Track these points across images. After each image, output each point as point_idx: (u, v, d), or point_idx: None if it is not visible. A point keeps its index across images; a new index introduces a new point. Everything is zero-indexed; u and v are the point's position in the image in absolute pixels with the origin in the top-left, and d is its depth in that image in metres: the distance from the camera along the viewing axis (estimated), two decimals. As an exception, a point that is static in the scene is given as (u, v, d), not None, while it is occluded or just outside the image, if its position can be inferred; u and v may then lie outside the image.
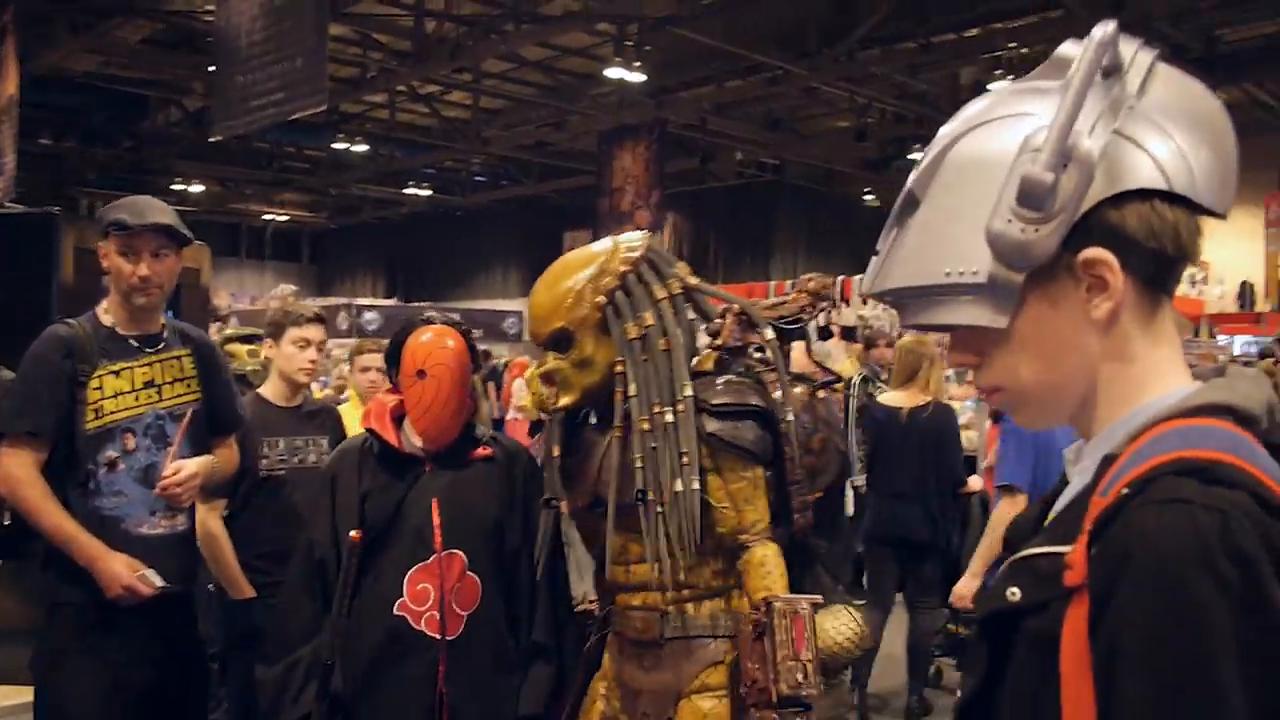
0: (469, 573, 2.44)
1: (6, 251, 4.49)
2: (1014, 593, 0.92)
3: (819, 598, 2.26)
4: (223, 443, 2.94)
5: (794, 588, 2.60)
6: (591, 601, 2.59)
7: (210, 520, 3.26)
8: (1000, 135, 0.98)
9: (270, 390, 3.56)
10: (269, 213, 24.78)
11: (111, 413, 2.63)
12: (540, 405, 2.38)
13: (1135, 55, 0.97)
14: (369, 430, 2.52)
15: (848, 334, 10.25)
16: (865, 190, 21.20)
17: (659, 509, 2.21)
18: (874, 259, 1.06)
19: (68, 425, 2.58)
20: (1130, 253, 0.93)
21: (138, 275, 2.63)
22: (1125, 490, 0.86)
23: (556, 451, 2.40)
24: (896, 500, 5.00)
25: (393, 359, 2.54)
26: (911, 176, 1.04)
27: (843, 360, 7.98)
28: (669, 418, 2.22)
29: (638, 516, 2.24)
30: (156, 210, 2.67)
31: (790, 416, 2.34)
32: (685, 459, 2.20)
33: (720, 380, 2.36)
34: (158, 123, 17.45)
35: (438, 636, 2.39)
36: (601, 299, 2.30)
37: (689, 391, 2.26)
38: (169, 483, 2.63)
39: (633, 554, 2.34)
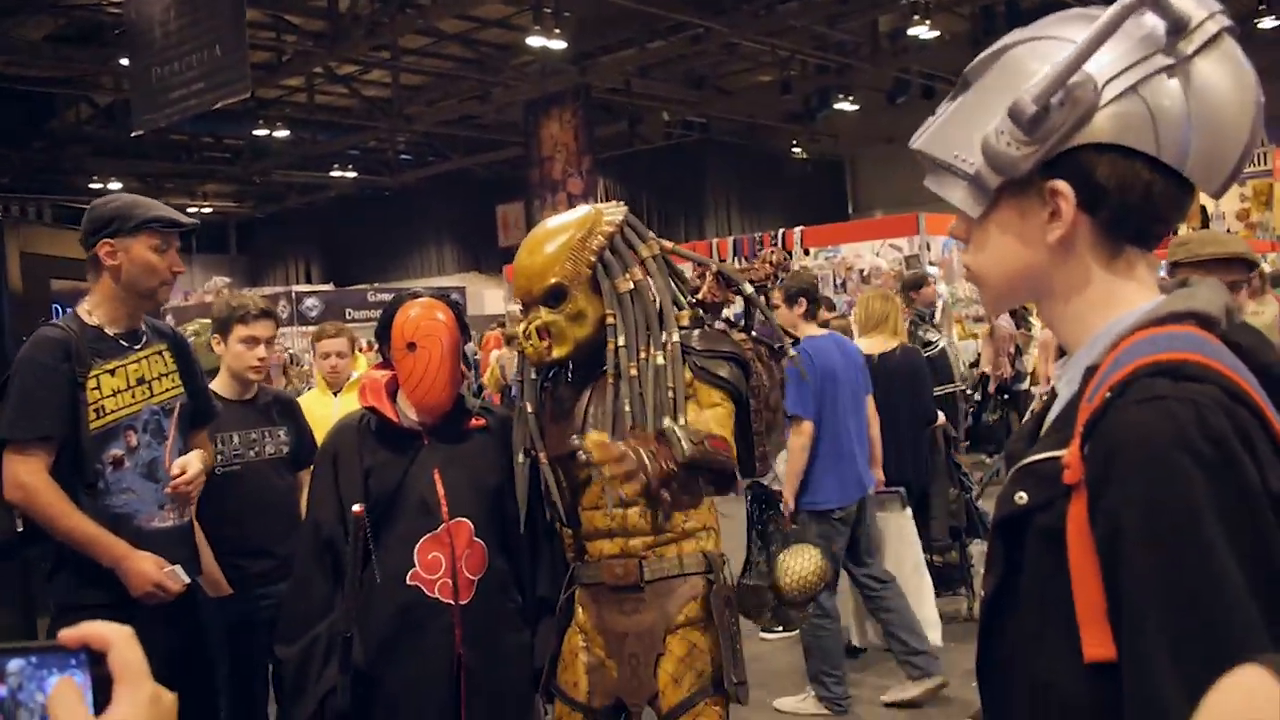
0: (476, 539, 2.50)
1: (-51, 260, 4.40)
2: (1021, 497, 1.03)
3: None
4: (201, 435, 2.97)
5: (759, 532, 2.79)
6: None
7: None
8: (1040, 53, 1.06)
9: (221, 385, 3.49)
10: (192, 205, 24.27)
11: (112, 411, 2.64)
12: (535, 358, 2.45)
13: (1204, 22, 1.03)
14: (367, 407, 2.55)
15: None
16: (793, 143, 21.37)
17: None
18: (929, 119, 1.16)
19: (72, 427, 2.57)
20: (1093, 196, 1.04)
21: (171, 270, 2.71)
22: (1109, 394, 0.96)
23: (531, 408, 2.49)
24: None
25: (382, 335, 2.56)
26: (971, 63, 1.13)
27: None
28: (659, 360, 2.36)
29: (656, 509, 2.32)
30: (166, 208, 2.76)
31: (759, 368, 2.53)
32: (672, 394, 2.34)
33: (695, 331, 2.52)
34: (68, 120, 16.99)
35: (451, 603, 2.45)
36: (592, 257, 2.43)
37: (676, 337, 2.40)
38: (179, 482, 2.66)
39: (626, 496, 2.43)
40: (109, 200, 2.74)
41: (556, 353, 2.44)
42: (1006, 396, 9.81)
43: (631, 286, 2.42)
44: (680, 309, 2.53)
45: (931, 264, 9.71)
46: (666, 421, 2.24)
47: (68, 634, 0.72)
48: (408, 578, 2.44)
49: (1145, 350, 0.97)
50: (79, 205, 20.30)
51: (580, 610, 2.57)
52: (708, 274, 2.63)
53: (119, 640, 0.72)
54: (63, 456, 2.57)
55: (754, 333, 2.68)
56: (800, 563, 2.70)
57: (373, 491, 2.47)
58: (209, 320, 4.61)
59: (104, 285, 2.68)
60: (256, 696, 3.39)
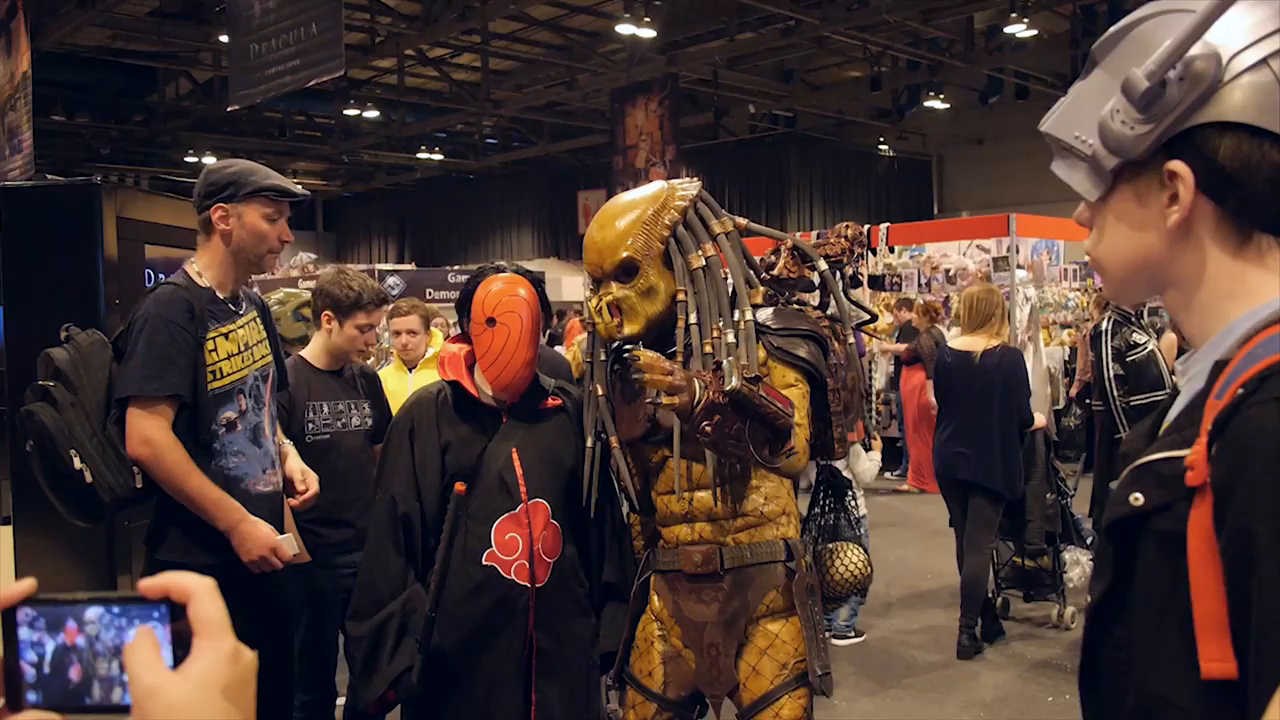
0: (552, 521, 2.47)
1: (49, 223, 4.50)
2: (1137, 498, 0.96)
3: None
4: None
5: (827, 521, 2.78)
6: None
7: None
8: (1168, 26, 0.99)
9: (314, 355, 3.59)
10: (281, 182, 24.74)
11: (228, 375, 2.68)
12: (605, 334, 2.42)
13: None
14: (447, 381, 2.53)
15: (875, 283, 10.24)
16: (879, 140, 21.06)
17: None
18: (1060, 100, 1.11)
19: (195, 388, 2.60)
20: (1216, 179, 0.96)
21: (280, 239, 2.73)
22: (1240, 391, 0.89)
23: (601, 390, 2.45)
24: (969, 441, 5.09)
25: (463, 308, 2.55)
26: (1099, 40, 1.08)
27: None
28: (730, 338, 2.30)
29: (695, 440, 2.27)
30: (280, 176, 2.79)
31: (836, 347, 2.48)
32: (747, 372, 2.26)
33: (770, 310, 2.49)
34: (167, 95, 17.40)
35: (528, 585, 2.42)
36: (665, 232, 2.39)
37: (750, 315, 2.34)
38: (309, 497, 2.89)
39: (696, 478, 2.40)
40: (226, 165, 2.75)
41: (628, 329, 2.39)
42: (1088, 402, 9.55)
43: (704, 263, 2.36)
44: (753, 287, 2.48)
45: (1020, 267, 9.48)
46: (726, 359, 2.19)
47: (149, 584, 0.70)
48: (484, 557, 2.41)
49: None
50: (175, 178, 20.88)
51: (655, 598, 2.53)
52: (783, 249, 2.58)
53: (201, 592, 0.70)
54: (181, 417, 2.59)
55: (828, 310, 2.62)
56: (852, 558, 2.67)
57: (449, 467, 2.45)
58: (294, 291, 4.69)
59: (214, 249, 2.70)
60: (328, 663, 3.43)
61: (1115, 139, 1.00)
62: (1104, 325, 5.79)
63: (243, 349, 2.73)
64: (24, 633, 0.70)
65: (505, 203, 24.42)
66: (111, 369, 2.58)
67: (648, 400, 2.23)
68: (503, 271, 2.55)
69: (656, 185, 2.49)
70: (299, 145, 20.69)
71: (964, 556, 5.23)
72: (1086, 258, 1.15)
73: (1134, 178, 1.02)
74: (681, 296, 2.35)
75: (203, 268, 2.71)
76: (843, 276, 2.71)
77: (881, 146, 21.35)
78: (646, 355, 2.06)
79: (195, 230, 2.79)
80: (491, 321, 2.46)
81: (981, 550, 5.18)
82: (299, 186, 2.82)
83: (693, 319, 2.33)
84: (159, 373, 2.53)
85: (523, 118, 19.30)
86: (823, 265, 2.55)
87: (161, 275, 4.15)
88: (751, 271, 2.50)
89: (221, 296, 2.72)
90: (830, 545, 2.72)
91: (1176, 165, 0.98)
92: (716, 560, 2.40)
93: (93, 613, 0.70)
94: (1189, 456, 0.91)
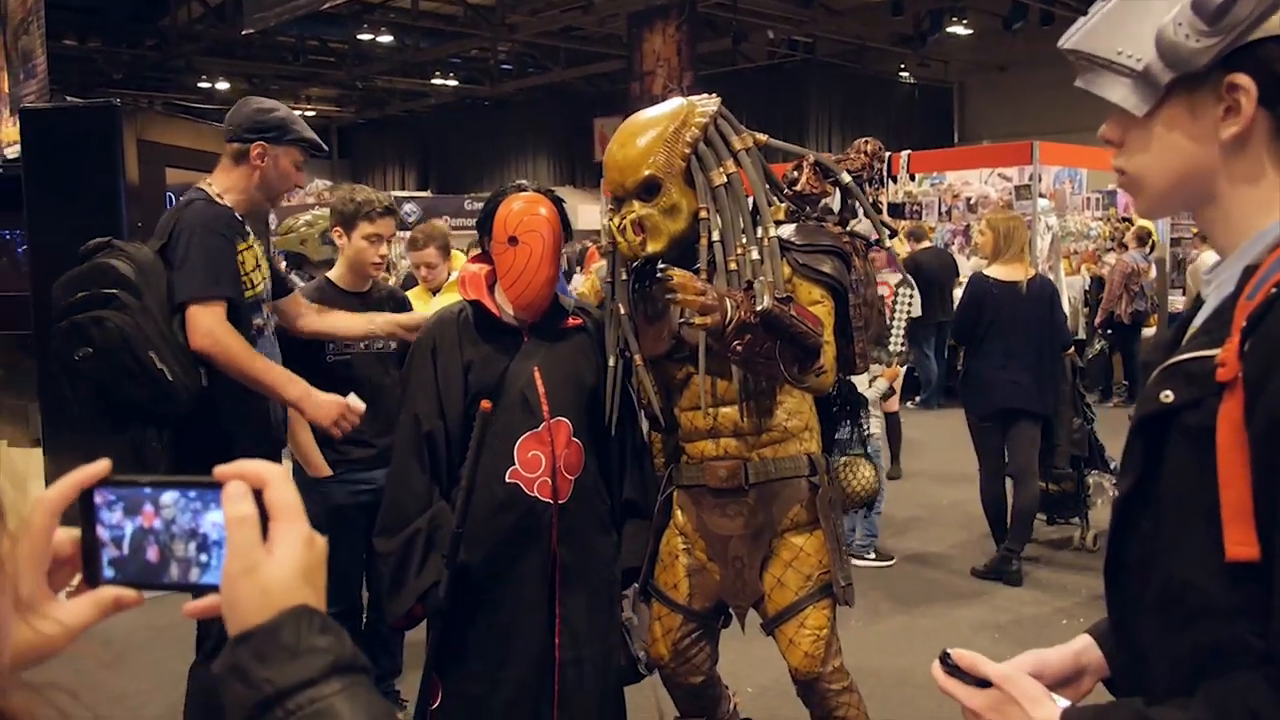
0: (574, 439, 2.50)
1: (69, 145, 4.51)
2: (1168, 395, 1.02)
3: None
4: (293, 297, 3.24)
5: (842, 435, 2.82)
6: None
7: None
8: None
9: (339, 276, 3.60)
10: (296, 108, 24.39)
11: (255, 285, 2.88)
12: (628, 253, 2.42)
13: None
14: (468, 300, 2.54)
15: (894, 211, 10.16)
16: (900, 66, 20.72)
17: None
18: (1081, 19, 1.13)
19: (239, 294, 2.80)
20: (1276, 91, 1.00)
21: (299, 183, 3.03)
22: (1274, 290, 0.95)
23: (624, 309, 2.47)
24: (1020, 370, 5.09)
25: (484, 226, 2.54)
26: None
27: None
28: (754, 255, 2.30)
29: (725, 357, 2.29)
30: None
31: (857, 262, 2.50)
32: (777, 292, 2.28)
33: (793, 226, 2.49)
34: (179, 19, 17.21)
35: (551, 502, 2.46)
36: (686, 149, 2.38)
37: (773, 231, 2.35)
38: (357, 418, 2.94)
39: (721, 393, 2.43)
40: (273, 108, 2.96)
41: (650, 247, 2.39)
42: (1110, 332, 9.53)
43: (726, 180, 2.36)
44: (775, 203, 2.49)
45: (1042, 195, 9.39)
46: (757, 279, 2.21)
47: (225, 469, 0.72)
48: (507, 475, 2.45)
49: None
50: (189, 103, 20.72)
51: (679, 512, 2.57)
52: (805, 164, 2.58)
53: (275, 479, 0.73)
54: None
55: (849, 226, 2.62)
56: (864, 473, 2.73)
57: (472, 386, 2.47)
58: (322, 214, 4.70)
59: (241, 177, 2.89)
60: (349, 577, 3.50)
61: (1177, 52, 1.01)
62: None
63: (258, 265, 2.91)
64: (103, 514, 0.74)
65: (521, 130, 24.20)
66: (168, 276, 2.73)
67: (681, 320, 2.25)
68: (524, 190, 2.54)
69: (676, 102, 2.48)
70: (312, 70, 20.49)
71: (1015, 484, 5.23)
72: (1114, 182, 1.17)
73: (1188, 91, 1.03)
74: (704, 214, 2.35)
75: (223, 190, 2.88)
76: (864, 191, 2.70)
77: (902, 74, 21.01)
78: (679, 274, 2.07)
79: (217, 154, 2.99)
80: (514, 240, 2.46)
81: (1034, 476, 5.22)
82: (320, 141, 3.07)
83: (715, 236, 2.33)
84: (215, 277, 2.73)
85: (538, 43, 19.05)
86: (846, 178, 2.55)
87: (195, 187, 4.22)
88: (773, 187, 2.50)
89: (240, 216, 2.89)
90: (844, 459, 2.77)
91: (1240, 78, 1.00)
92: (741, 475, 2.44)
93: (169, 496, 0.73)
94: (1220, 354, 0.96)
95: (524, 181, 2.60)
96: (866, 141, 2.74)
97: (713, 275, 2.32)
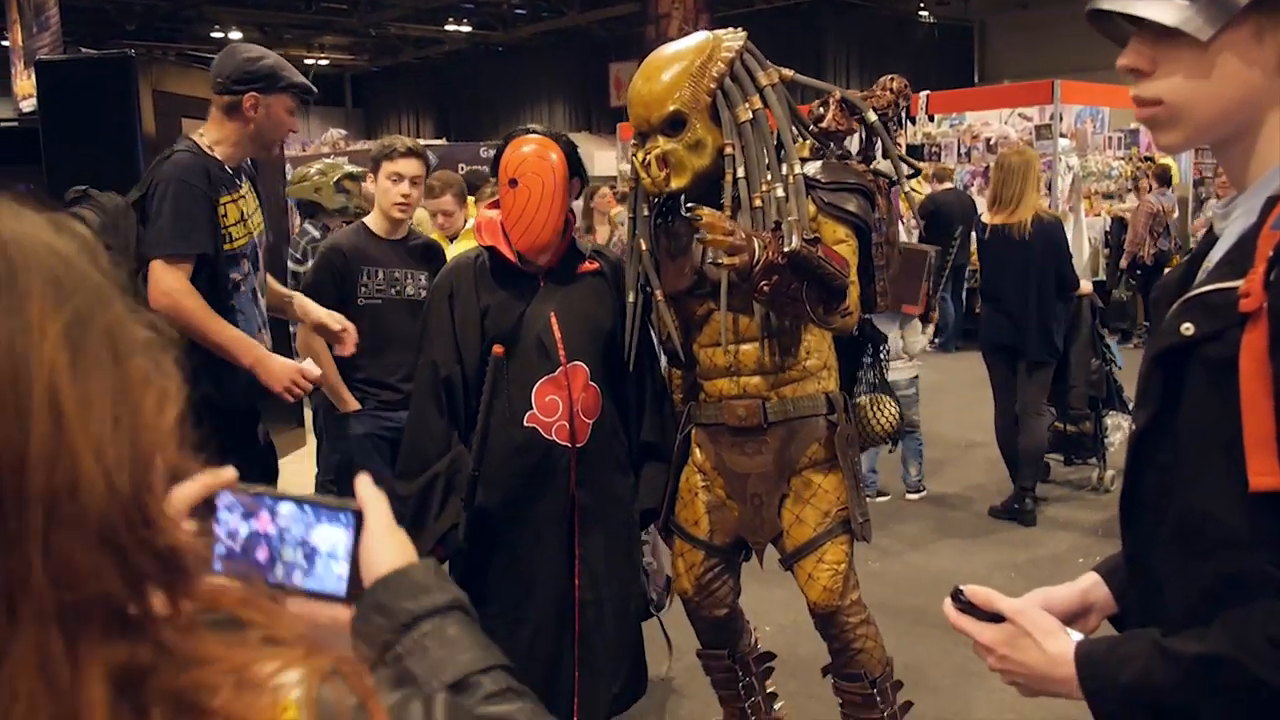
0: (591, 383, 2.52)
1: (85, 97, 4.50)
2: (1188, 328, 1.00)
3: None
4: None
5: (864, 374, 2.80)
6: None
7: (313, 339, 3.41)
8: None
9: (373, 221, 3.66)
10: (309, 57, 24.43)
11: (237, 239, 2.84)
12: (653, 189, 2.42)
13: None
14: (484, 246, 2.55)
15: (913, 152, 10.05)
16: (919, 5, 20.38)
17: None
18: None
19: (216, 247, 2.77)
20: None
21: (293, 128, 3.00)
22: None
23: (645, 245, 2.48)
24: (1014, 310, 5.09)
25: (494, 169, 2.56)
26: None
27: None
28: (779, 192, 2.29)
29: (747, 294, 2.30)
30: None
31: (880, 201, 2.49)
32: (805, 233, 2.27)
33: (818, 163, 2.47)
34: (191, -32, 17.10)
35: (569, 445, 2.49)
36: (712, 84, 2.36)
37: (799, 168, 2.34)
38: (349, 332, 3.07)
39: (742, 330, 2.44)
40: (261, 56, 2.89)
41: (675, 183, 2.39)
42: (1140, 272, 9.44)
43: (751, 116, 2.34)
44: (800, 140, 2.48)
45: (1063, 135, 9.27)
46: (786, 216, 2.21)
47: (354, 498, 0.85)
48: (525, 419, 2.47)
49: None
50: (202, 54, 20.62)
51: (698, 450, 2.59)
52: (831, 101, 2.55)
53: (375, 501, 0.86)
54: (202, 276, 2.74)
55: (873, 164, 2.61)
56: (889, 410, 2.72)
57: (489, 331, 2.49)
58: (335, 163, 4.72)
59: (233, 128, 2.85)
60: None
61: None
62: None
63: (244, 217, 2.89)
64: (222, 515, 0.81)
65: (535, 76, 23.99)
66: (138, 230, 2.72)
67: (709, 261, 2.24)
68: (532, 134, 2.53)
69: (701, 36, 2.46)
70: (325, 18, 20.34)
71: (1020, 423, 5.23)
72: (1141, 112, 1.09)
73: (1262, 17, 0.98)
74: (729, 150, 2.34)
75: (214, 141, 2.85)
76: (888, 129, 2.66)
77: (921, 13, 20.66)
78: (708, 214, 2.06)
79: None
80: (514, 183, 2.47)
81: (1037, 417, 5.21)
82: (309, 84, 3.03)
83: (740, 173, 2.32)
84: (186, 233, 2.70)
85: (552, -14, 18.83)
86: (872, 116, 2.52)
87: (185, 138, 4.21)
88: (798, 124, 2.50)
89: (229, 168, 2.87)
90: (868, 396, 2.76)
91: None
92: (760, 414, 2.46)
93: (286, 507, 0.82)
94: (1244, 285, 0.95)
95: (535, 125, 2.59)
96: (893, 79, 2.71)
97: (737, 212, 2.32)
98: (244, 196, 2.91)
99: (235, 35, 20.77)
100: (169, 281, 2.66)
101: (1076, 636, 1.10)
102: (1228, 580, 0.98)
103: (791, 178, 2.32)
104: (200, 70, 4.72)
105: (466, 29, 21.67)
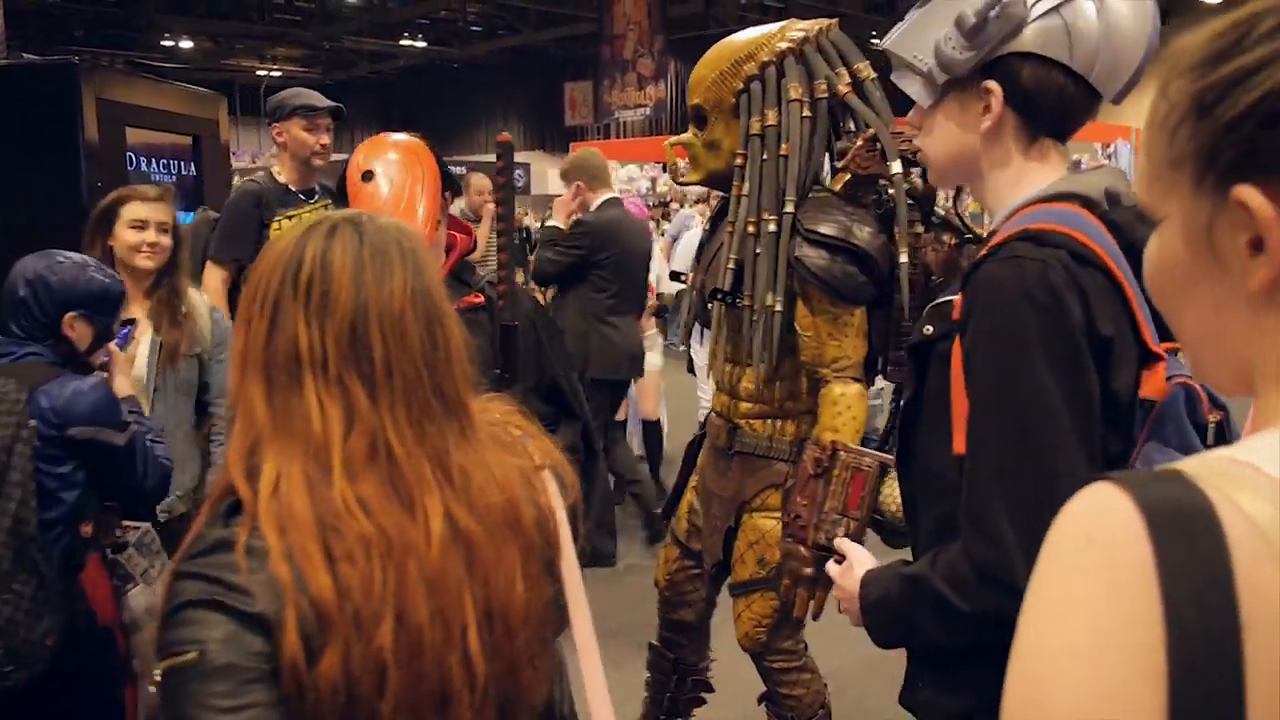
0: None
1: (26, 104, 4.41)
2: (928, 329, 1.32)
3: (889, 458, 1.80)
4: None
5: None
6: None
7: None
8: None
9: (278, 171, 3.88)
10: (261, 69, 24.22)
11: None
12: (672, 176, 2.43)
13: None
14: None
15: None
16: (872, 34, 20.66)
17: (752, 319, 2.26)
18: (899, 23, 1.38)
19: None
20: (1017, 94, 1.27)
21: (320, 144, 3.56)
22: (984, 254, 1.24)
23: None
24: None
25: (340, 187, 2.21)
26: None
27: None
28: (772, 228, 2.18)
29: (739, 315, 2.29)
30: (318, 96, 3.63)
31: (904, 259, 2.17)
32: (777, 271, 2.20)
33: (836, 206, 2.20)
34: (142, -25, 16.91)
35: None
36: (739, 85, 2.23)
37: (790, 208, 2.17)
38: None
39: (731, 353, 2.43)
40: (284, 94, 3.62)
41: (690, 176, 2.36)
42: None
43: (761, 131, 2.19)
44: (839, 173, 2.23)
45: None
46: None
47: None
48: None
49: (1028, 221, 1.22)
50: (152, 63, 20.35)
51: (703, 455, 2.58)
52: (861, 138, 2.19)
53: None
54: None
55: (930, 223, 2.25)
56: (894, 490, 2.41)
57: None
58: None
59: (283, 156, 3.58)
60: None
61: (946, 60, 1.27)
62: None
63: None
64: None
65: (490, 93, 23.98)
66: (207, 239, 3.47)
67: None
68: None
69: (774, 26, 2.27)
70: (279, 30, 20.18)
71: None
72: (1076, 154, 1.32)
73: (959, 91, 1.31)
74: (739, 161, 2.23)
75: (279, 170, 3.59)
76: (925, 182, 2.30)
77: (874, 41, 20.97)
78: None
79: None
80: (368, 175, 2.12)
81: None
82: (327, 100, 3.62)
83: (745, 190, 2.22)
84: (225, 242, 3.44)
85: (508, 3, 18.86)
86: (895, 168, 2.15)
87: (142, 160, 4.14)
88: (830, 152, 2.26)
89: (295, 189, 3.51)
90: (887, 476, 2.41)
91: (990, 84, 1.27)
92: (727, 438, 2.42)
93: None
94: (956, 299, 1.26)
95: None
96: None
97: (731, 237, 2.28)
98: (312, 210, 3.33)
99: (186, 44, 20.55)
100: (209, 278, 3.41)
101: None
102: (946, 520, 1.25)
103: (780, 217, 2.15)
104: (146, 79, 4.67)
105: (422, 45, 21.62)
